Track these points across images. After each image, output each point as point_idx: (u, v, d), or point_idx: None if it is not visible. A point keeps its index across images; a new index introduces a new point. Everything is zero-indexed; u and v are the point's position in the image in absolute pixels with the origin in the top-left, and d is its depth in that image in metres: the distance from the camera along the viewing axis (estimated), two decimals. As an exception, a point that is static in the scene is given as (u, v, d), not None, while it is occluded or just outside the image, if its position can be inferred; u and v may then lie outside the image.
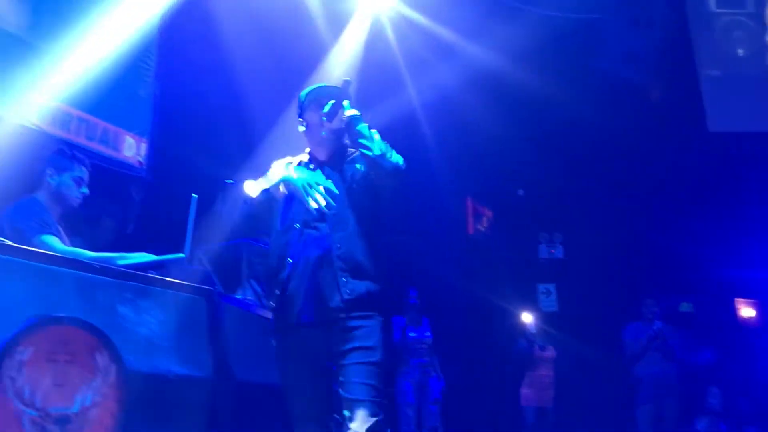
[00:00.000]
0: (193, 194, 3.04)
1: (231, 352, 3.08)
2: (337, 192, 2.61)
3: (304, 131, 2.82)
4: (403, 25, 6.37)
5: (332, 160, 2.78)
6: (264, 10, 5.26)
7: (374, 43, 6.35)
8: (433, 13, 6.13)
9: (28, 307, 2.25)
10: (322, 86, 2.85)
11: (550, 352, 7.17)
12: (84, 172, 3.24)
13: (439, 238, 7.96)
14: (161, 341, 2.66)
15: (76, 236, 3.44)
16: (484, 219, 9.20)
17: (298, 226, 2.61)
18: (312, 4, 5.78)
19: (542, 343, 7.18)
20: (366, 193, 2.68)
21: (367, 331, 2.51)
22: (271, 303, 2.64)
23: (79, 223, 3.57)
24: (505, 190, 9.04)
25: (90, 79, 4.16)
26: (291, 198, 2.63)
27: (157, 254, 3.31)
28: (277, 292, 2.59)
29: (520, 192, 9.15)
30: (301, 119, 2.83)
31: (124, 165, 4.71)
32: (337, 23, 6.15)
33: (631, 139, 7.28)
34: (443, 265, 7.66)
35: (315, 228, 2.59)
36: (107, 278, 2.58)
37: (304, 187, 2.56)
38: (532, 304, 8.34)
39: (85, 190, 3.24)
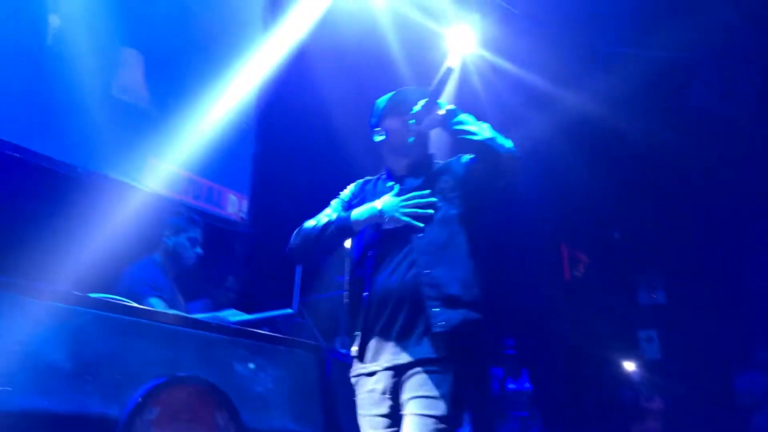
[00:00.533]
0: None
1: (339, 407, 3.10)
2: (425, 208, 2.32)
3: (382, 140, 2.52)
4: (491, 73, 6.41)
5: (415, 172, 2.48)
6: (357, 64, 5.42)
7: (462, 90, 6.40)
8: (522, 61, 6.15)
9: (152, 367, 2.34)
10: (405, 89, 2.58)
11: (657, 404, 6.84)
12: (198, 233, 3.39)
13: (535, 287, 7.82)
14: (275, 398, 2.71)
15: (190, 295, 3.58)
16: (581, 264, 8.98)
17: (371, 253, 2.34)
18: (399, 55, 5.89)
19: (648, 393, 6.88)
20: (462, 204, 2.38)
21: (439, 378, 2.10)
22: (353, 348, 2.31)
23: (193, 281, 3.71)
24: (601, 234, 8.82)
25: (198, 142, 4.37)
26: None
27: (263, 310, 3.40)
28: (356, 333, 2.30)
29: (616, 235, 8.91)
30: (378, 128, 2.54)
31: (227, 221, 4.88)
32: (427, 72, 6.24)
33: (731, 177, 7.00)
34: (540, 313, 7.50)
35: (396, 252, 2.29)
36: (222, 336, 2.66)
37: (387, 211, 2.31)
38: (634, 351, 8.03)
39: (199, 249, 3.38)
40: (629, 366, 7.12)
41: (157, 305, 3.02)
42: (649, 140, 6.67)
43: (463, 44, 5.63)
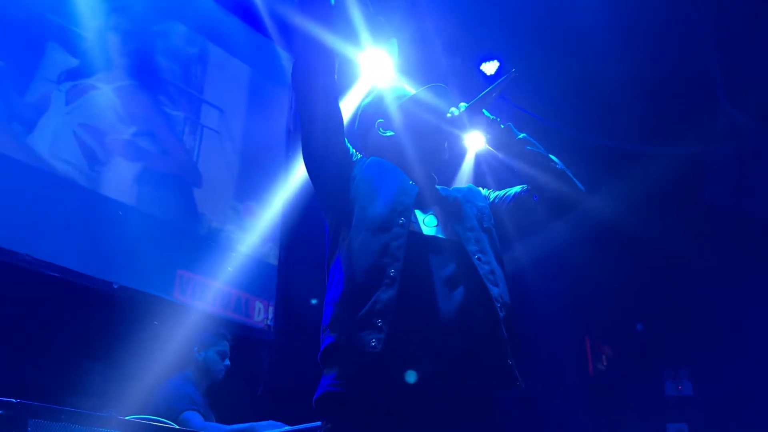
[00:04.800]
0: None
1: None
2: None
3: (393, 137, 2.10)
4: (505, 173, 6.59)
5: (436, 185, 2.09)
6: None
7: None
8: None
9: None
10: (440, 86, 2.17)
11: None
12: (227, 346, 3.52)
13: (559, 381, 7.77)
14: None
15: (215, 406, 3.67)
16: (604, 357, 8.92)
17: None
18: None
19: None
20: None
21: None
22: None
23: (220, 392, 3.80)
24: (624, 326, 8.80)
25: (227, 253, 4.57)
26: None
27: (288, 419, 3.46)
28: None
29: (639, 327, 8.88)
30: (383, 121, 2.14)
31: (254, 330, 5.00)
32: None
33: (751, 272, 7.06)
34: (567, 408, 7.43)
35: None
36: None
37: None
38: (663, 447, 7.87)
39: (228, 362, 3.50)
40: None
41: (194, 419, 3.12)
42: (668, 234, 6.78)
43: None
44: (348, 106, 5.44)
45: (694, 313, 7.94)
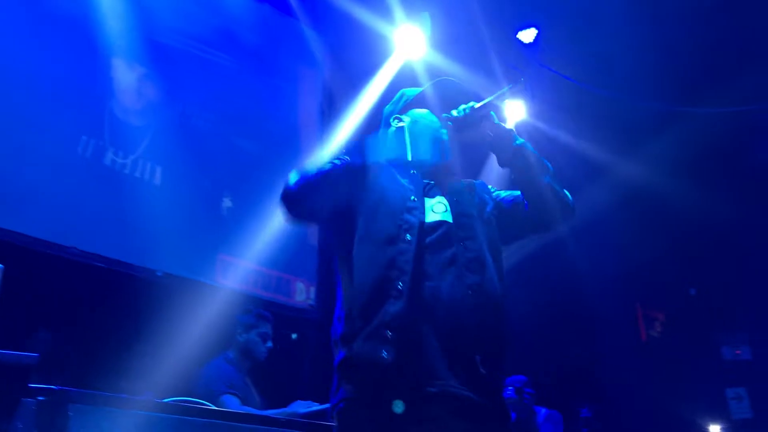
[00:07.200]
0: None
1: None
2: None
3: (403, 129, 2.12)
4: (545, 142, 6.49)
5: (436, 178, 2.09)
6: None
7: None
8: (575, 131, 6.23)
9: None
10: (449, 81, 2.18)
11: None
12: (269, 327, 3.58)
13: (612, 350, 7.67)
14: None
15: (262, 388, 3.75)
16: (657, 324, 8.77)
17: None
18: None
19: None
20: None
21: None
22: None
23: (265, 372, 3.88)
24: (676, 291, 8.62)
25: (268, 236, 4.65)
26: None
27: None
28: None
29: (692, 291, 8.69)
30: (398, 116, 2.17)
31: (296, 309, 5.08)
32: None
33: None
34: (619, 376, 7.35)
35: None
36: (293, 431, 2.80)
37: None
38: (721, 411, 7.73)
39: (270, 344, 3.57)
40: (716, 429, 6.85)
41: (231, 402, 3.20)
42: (717, 197, 6.61)
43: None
44: (381, 82, 5.47)
45: (749, 277, 7.72)
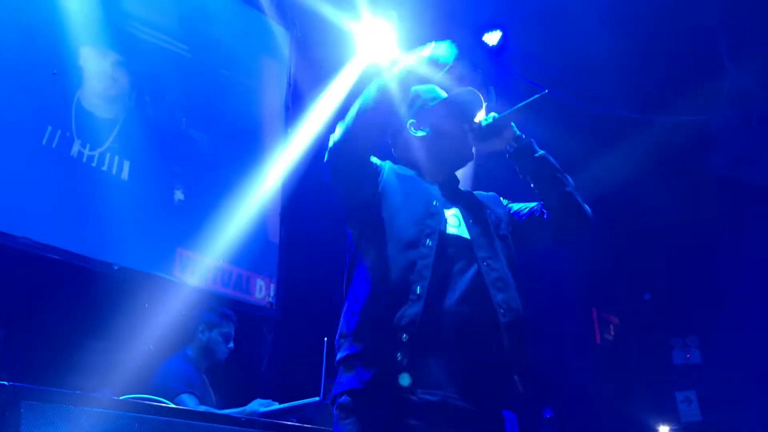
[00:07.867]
0: (325, 338, 3.19)
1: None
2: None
3: (424, 137, 2.14)
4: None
5: (450, 188, 2.13)
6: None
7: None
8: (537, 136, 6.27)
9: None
10: (471, 90, 2.18)
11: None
12: (231, 328, 3.52)
13: (567, 353, 7.77)
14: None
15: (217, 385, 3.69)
16: (611, 327, 8.92)
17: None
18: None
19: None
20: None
21: None
22: None
23: (223, 370, 3.82)
24: (631, 296, 8.78)
25: (227, 231, 4.57)
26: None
27: (293, 394, 3.48)
28: None
29: (647, 296, 8.87)
30: (414, 121, 2.17)
31: (256, 307, 5.01)
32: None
33: (758, 241, 7.01)
34: (573, 379, 7.44)
35: None
36: (253, 430, 2.75)
37: None
38: (671, 414, 7.89)
39: (232, 345, 3.51)
40: (665, 430, 6.99)
41: (189, 402, 3.14)
42: (673, 203, 6.73)
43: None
44: (344, 81, 5.42)
45: (702, 282, 7.90)
